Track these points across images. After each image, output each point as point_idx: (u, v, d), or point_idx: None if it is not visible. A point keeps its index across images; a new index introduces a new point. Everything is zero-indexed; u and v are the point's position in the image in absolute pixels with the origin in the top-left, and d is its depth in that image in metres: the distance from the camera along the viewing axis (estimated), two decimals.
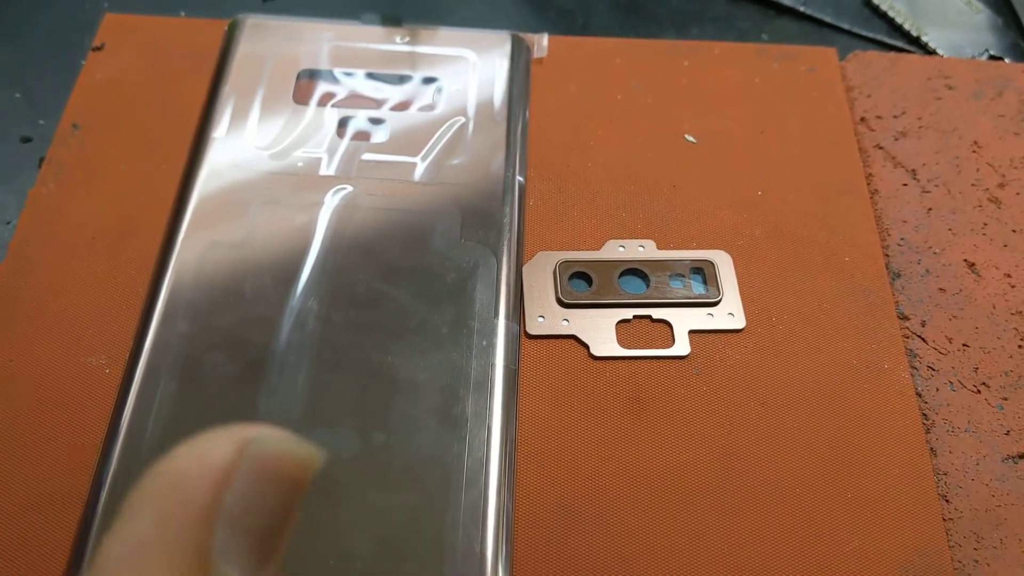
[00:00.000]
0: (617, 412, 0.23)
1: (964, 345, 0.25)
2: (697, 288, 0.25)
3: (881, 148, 0.29)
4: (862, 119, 0.30)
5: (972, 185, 0.28)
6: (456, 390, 0.22)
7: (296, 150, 0.26)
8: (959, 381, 0.25)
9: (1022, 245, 0.27)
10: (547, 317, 0.25)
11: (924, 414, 0.24)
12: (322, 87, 0.28)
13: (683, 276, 0.26)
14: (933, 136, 0.29)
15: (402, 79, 0.28)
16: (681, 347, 0.24)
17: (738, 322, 0.25)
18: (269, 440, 0.13)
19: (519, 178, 0.27)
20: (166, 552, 0.11)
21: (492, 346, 0.23)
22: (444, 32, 0.30)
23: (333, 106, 0.28)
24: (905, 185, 0.28)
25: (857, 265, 0.26)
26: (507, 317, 0.24)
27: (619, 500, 0.22)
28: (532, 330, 0.24)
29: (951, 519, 0.22)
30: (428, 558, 0.20)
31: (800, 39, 0.33)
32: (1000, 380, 0.25)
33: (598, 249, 0.26)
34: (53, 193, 0.26)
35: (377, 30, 0.29)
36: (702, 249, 0.26)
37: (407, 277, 0.24)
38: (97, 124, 0.28)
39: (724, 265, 0.26)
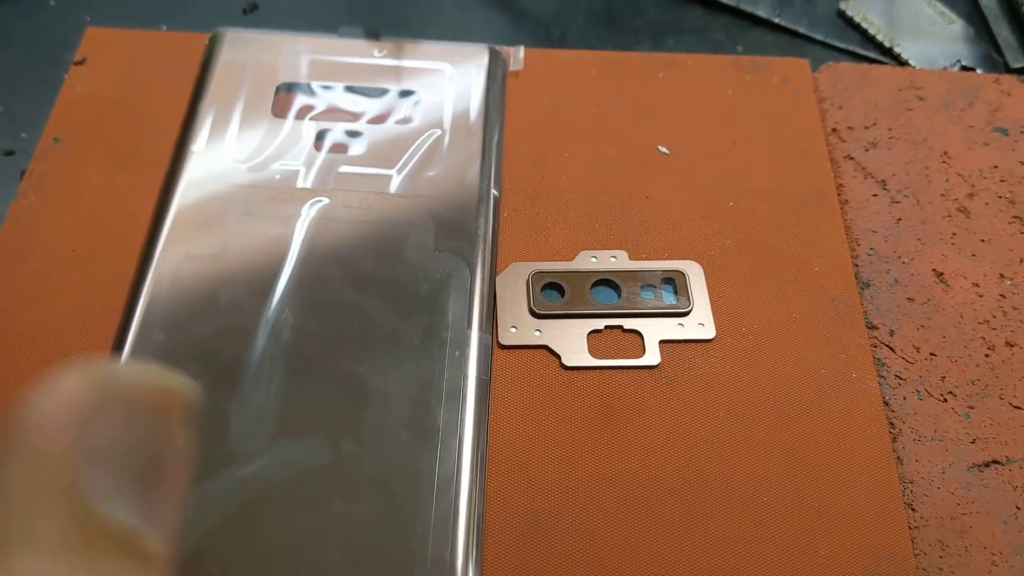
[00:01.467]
0: (588, 421, 0.24)
1: (932, 354, 0.26)
2: (668, 298, 0.26)
3: (852, 159, 0.29)
4: (833, 130, 0.30)
5: (941, 195, 0.29)
6: (428, 400, 0.23)
7: (274, 163, 0.27)
8: (926, 390, 0.25)
9: (990, 255, 0.28)
10: (519, 327, 0.25)
11: (891, 423, 0.24)
12: (301, 100, 0.28)
13: (654, 287, 0.26)
14: (903, 147, 0.30)
15: (380, 92, 0.29)
16: (651, 357, 0.25)
17: (708, 332, 0.25)
18: (123, 372, 0.13)
19: (494, 190, 0.27)
20: (38, 505, 0.11)
21: (464, 357, 0.23)
22: (422, 45, 0.30)
23: (311, 119, 0.28)
24: (875, 195, 0.29)
25: (826, 275, 0.27)
26: (480, 328, 0.24)
27: (589, 509, 0.22)
28: (504, 340, 0.25)
29: (917, 527, 0.23)
30: (398, 568, 0.20)
31: (774, 50, 0.33)
32: (967, 389, 0.25)
33: (571, 260, 0.26)
34: (34, 206, 0.27)
35: (355, 43, 0.30)
36: (674, 260, 0.27)
37: (381, 288, 0.24)
38: (78, 138, 0.28)
39: (695, 275, 0.26)
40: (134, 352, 0.23)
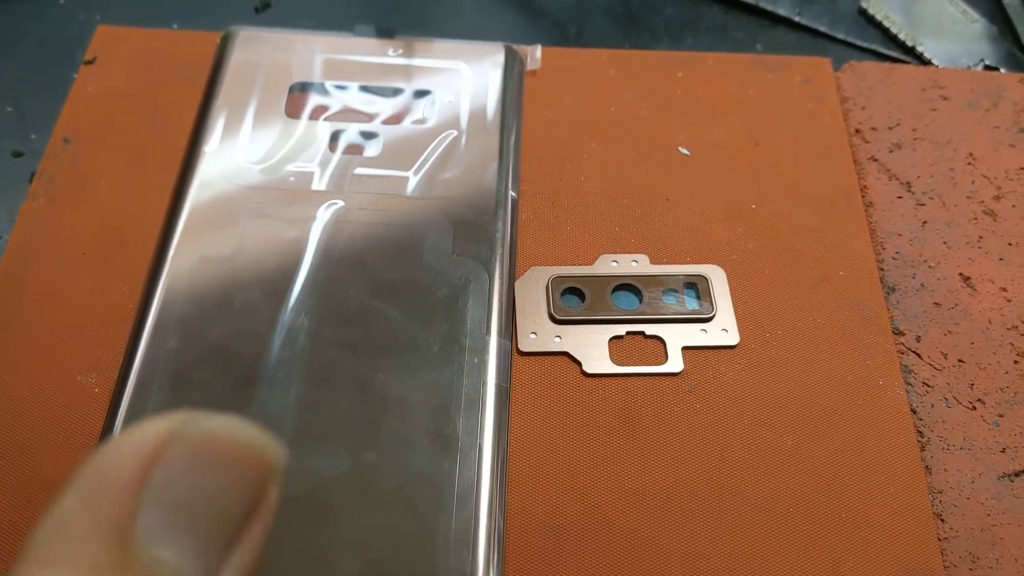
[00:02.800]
0: (610, 430, 0.23)
1: (959, 361, 0.25)
2: (691, 303, 0.25)
3: (875, 160, 0.29)
4: (856, 131, 0.30)
5: (967, 197, 0.28)
6: (447, 408, 0.22)
7: (288, 164, 0.26)
8: (954, 398, 0.24)
9: (1018, 258, 0.27)
10: (539, 334, 0.24)
11: (919, 431, 0.24)
12: (314, 100, 0.28)
13: (676, 291, 0.25)
14: (928, 148, 0.29)
15: (395, 92, 0.28)
16: (674, 364, 0.24)
17: (732, 338, 0.25)
18: (210, 422, 0.13)
19: (512, 192, 0.26)
20: (84, 528, 0.11)
21: (484, 364, 0.23)
22: (437, 44, 0.29)
23: (325, 119, 0.27)
24: (900, 198, 0.28)
25: (851, 279, 0.26)
26: (499, 334, 0.24)
27: (611, 519, 0.22)
28: (524, 347, 0.24)
29: (946, 539, 0.22)
30: None
31: (795, 49, 0.33)
32: (996, 396, 0.25)
33: (591, 264, 0.26)
34: (44, 208, 0.26)
35: (370, 42, 0.29)
36: (696, 264, 0.26)
37: (398, 293, 0.24)
38: (89, 138, 0.28)
39: (718, 280, 0.26)
40: (147, 357, 0.22)
